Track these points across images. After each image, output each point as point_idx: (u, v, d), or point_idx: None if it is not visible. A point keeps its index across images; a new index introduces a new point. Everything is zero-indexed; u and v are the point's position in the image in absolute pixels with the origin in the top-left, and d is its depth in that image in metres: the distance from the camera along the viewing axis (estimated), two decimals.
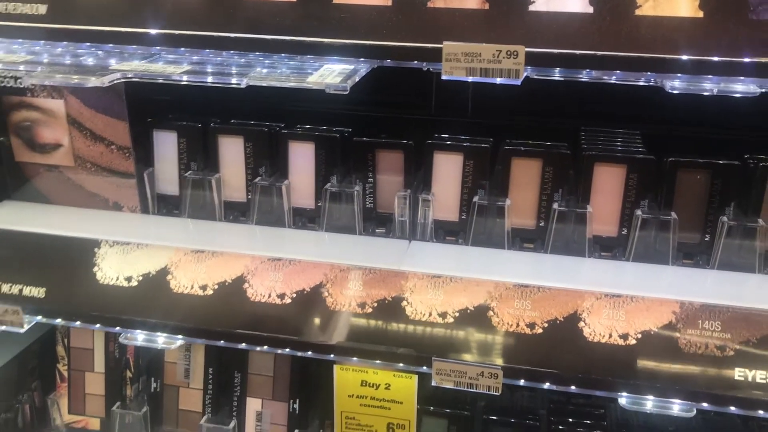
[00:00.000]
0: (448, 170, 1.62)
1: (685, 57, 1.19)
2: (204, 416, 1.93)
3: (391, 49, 1.30)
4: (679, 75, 1.21)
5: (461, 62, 1.23)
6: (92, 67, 1.39)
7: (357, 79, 1.29)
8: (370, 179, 1.69)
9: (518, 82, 1.23)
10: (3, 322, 1.63)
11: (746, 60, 1.18)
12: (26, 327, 1.63)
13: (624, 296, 1.41)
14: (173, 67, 1.35)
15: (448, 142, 1.62)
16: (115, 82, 1.34)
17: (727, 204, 1.51)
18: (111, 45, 1.41)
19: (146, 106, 1.75)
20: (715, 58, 1.19)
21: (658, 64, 1.21)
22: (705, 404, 1.35)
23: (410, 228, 1.65)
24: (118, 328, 1.59)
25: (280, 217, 1.70)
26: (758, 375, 1.33)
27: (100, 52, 1.46)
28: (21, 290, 1.63)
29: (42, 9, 1.42)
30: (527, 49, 1.21)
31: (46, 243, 1.65)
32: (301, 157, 1.70)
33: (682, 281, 1.48)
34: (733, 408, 1.34)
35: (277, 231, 1.69)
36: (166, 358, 1.96)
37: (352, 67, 1.33)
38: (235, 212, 1.76)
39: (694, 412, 1.36)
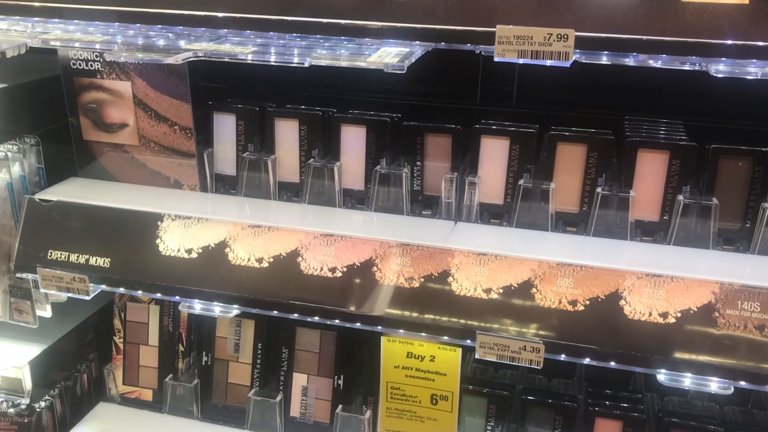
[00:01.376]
0: (494, 154, 1.68)
1: (729, 42, 1.24)
2: (252, 390, 2.01)
3: (446, 32, 1.37)
4: (723, 59, 1.25)
5: (513, 45, 1.29)
6: (164, 48, 1.48)
7: (413, 60, 1.36)
8: (418, 162, 1.76)
9: (568, 65, 1.29)
10: (70, 290, 1.73)
11: None
12: (92, 295, 1.73)
13: (664, 276, 1.45)
14: (240, 48, 1.44)
15: (495, 127, 1.68)
16: (187, 60, 1.43)
17: None
18: (180, 27, 1.51)
19: (208, 90, 1.85)
20: (760, 43, 1.23)
21: (703, 48, 1.25)
22: (742, 382, 1.39)
23: (456, 210, 1.71)
24: (177, 297, 1.68)
25: (331, 198, 1.78)
26: None
27: (170, 34, 1.55)
28: (87, 260, 1.73)
29: None
30: (577, 33, 1.27)
31: (112, 216, 1.75)
32: (353, 140, 1.77)
33: (722, 264, 1.51)
34: None
35: (329, 210, 1.77)
36: (217, 333, 2.05)
37: (408, 49, 1.40)
38: (289, 192, 1.84)
39: (732, 389, 1.40)
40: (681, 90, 1.81)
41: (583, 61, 1.33)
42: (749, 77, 1.25)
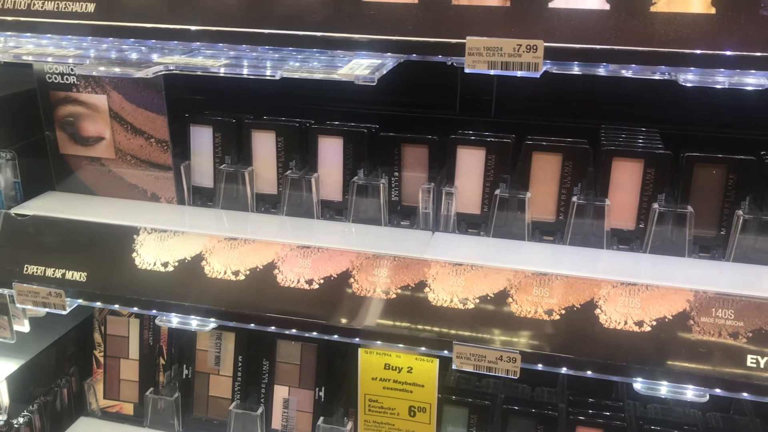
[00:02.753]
0: (470, 164, 1.69)
1: (698, 51, 1.25)
2: (233, 402, 2.01)
3: (417, 44, 1.37)
4: (692, 69, 1.26)
5: (483, 56, 1.29)
6: (136, 61, 1.48)
7: (384, 72, 1.36)
8: (396, 173, 1.76)
9: (537, 75, 1.29)
10: (47, 305, 1.72)
11: (758, 54, 1.23)
12: (68, 309, 1.72)
13: (639, 285, 1.45)
14: (212, 61, 1.44)
15: (472, 137, 1.68)
16: (159, 74, 1.43)
17: (742, 198, 1.55)
18: (153, 41, 1.50)
19: (184, 103, 1.85)
20: (728, 52, 1.24)
21: (672, 58, 1.26)
22: (718, 390, 1.39)
23: (434, 220, 1.72)
24: (154, 310, 1.67)
25: (309, 209, 1.78)
26: None
27: (143, 48, 1.55)
28: (64, 274, 1.72)
29: (90, 7, 1.52)
30: (546, 44, 1.28)
31: (88, 230, 1.74)
32: (330, 152, 1.77)
33: (697, 272, 1.52)
34: (745, 394, 1.38)
35: (306, 222, 1.76)
36: (198, 346, 2.04)
37: (379, 61, 1.40)
38: (266, 204, 1.84)
39: (707, 397, 1.40)
40: (657, 99, 1.82)
41: (555, 71, 1.34)
42: (717, 86, 1.25)
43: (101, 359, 2.12)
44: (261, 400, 1.99)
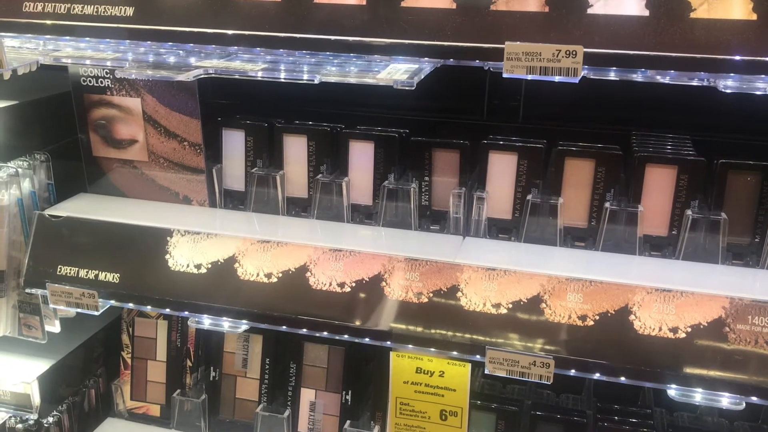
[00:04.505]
0: (502, 169, 1.69)
1: (738, 57, 1.25)
2: (260, 405, 2.01)
3: (455, 49, 1.38)
4: (732, 75, 1.26)
5: (522, 61, 1.30)
6: (176, 65, 1.49)
7: (422, 77, 1.37)
8: (426, 177, 1.76)
9: (576, 80, 1.29)
10: (80, 305, 1.73)
11: None
12: (101, 310, 1.74)
13: (674, 291, 1.45)
14: (250, 65, 1.45)
15: (503, 142, 1.68)
16: (198, 77, 1.44)
17: None
18: (191, 45, 1.52)
19: (217, 106, 1.86)
20: None
21: (712, 64, 1.26)
22: (754, 398, 1.38)
23: (464, 225, 1.72)
24: (186, 312, 1.69)
25: (340, 213, 1.78)
26: None
27: (181, 52, 1.56)
28: (96, 275, 1.74)
29: (129, 11, 1.54)
30: (585, 50, 1.28)
31: (121, 232, 1.75)
32: (361, 156, 1.78)
33: (731, 279, 1.51)
34: None
35: (337, 225, 1.77)
36: (225, 348, 2.05)
37: (416, 66, 1.41)
38: (297, 208, 1.85)
39: (743, 405, 1.40)
40: (688, 105, 1.81)
41: (592, 77, 1.34)
42: (758, 92, 1.25)
43: (129, 360, 2.13)
44: (288, 403, 2.00)
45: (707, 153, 1.61)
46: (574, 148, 1.65)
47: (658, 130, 1.79)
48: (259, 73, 1.43)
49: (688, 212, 1.57)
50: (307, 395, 1.99)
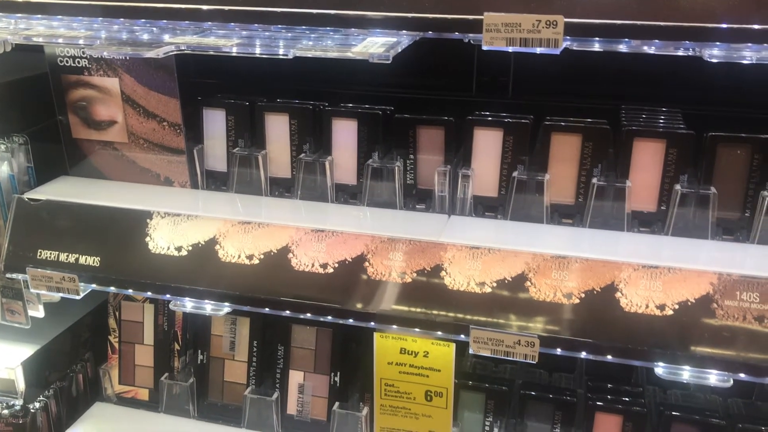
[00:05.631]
0: (487, 146, 1.65)
1: (724, 25, 1.21)
2: (248, 388, 2.00)
3: (433, 21, 1.34)
4: (717, 44, 1.22)
5: (501, 32, 1.26)
6: (147, 42, 1.46)
7: (399, 50, 1.33)
8: (411, 156, 1.73)
9: (557, 52, 1.25)
10: (60, 289, 1.71)
11: None
12: (82, 294, 1.71)
13: (661, 267, 1.42)
14: (224, 41, 1.41)
15: (489, 118, 1.65)
16: (170, 54, 1.40)
17: (767, 179, 1.51)
18: (165, 21, 1.48)
19: (196, 86, 1.82)
20: (755, 26, 1.20)
21: (697, 32, 1.22)
22: (742, 374, 1.36)
23: (450, 203, 1.69)
24: (168, 295, 1.66)
25: (323, 193, 1.75)
26: None
27: (154, 29, 1.53)
28: (77, 259, 1.71)
29: None
30: (566, 20, 1.24)
31: (101, 215, 1.73)
32: (344, 134, 1.75)
33: (720, 254, 1.48)
34: None
35: (321, 205, 1.74)
36: (213, 331, 2.03)
37: (394, 39, 1.37)
38: (280, 188, 1.82)
39: (731, 382, 1.37)
40: (679, 78, 1.77)
41: (575, 48, 1.31)
42: (745, 62, 1.21)
43: (116, 345, 2.11)
44: (276, 386, 1.98)
45: (699, 127, 1.57)
46: (560, 123, 1.61)
47: (650, 105, 1.75)
48: (234, 49, 1.39)
49: (677, 187, 1.54)
50: (295, 377, 1.97)
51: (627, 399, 1.78)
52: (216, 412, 2.05)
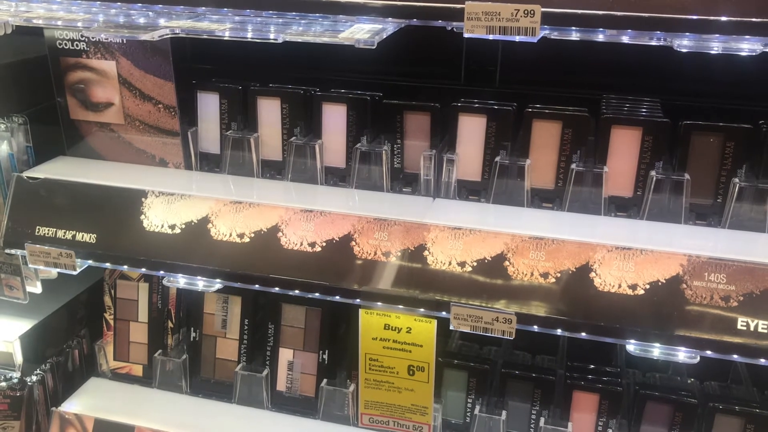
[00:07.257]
0: (472, 132, 1.71)
1: (693, 16, 1.26)
2: (239, 365, 2.05)
3: (418, 9, 1.40)
4: (687, 34, 1.28)
5: (482, 21, 1.32)
6: (143, 25, 1.51)
7: (384, 36, 1.38)
8: (398, 140, 1.78)
9: (534, 40, 1.31)
10: (57, 265, 1.77)
11: (753, 20, 1.25)
12: (78, 270, 1.77)
13: (634, 249, 1.48)
14: (217, 25, 1.47)
15: (473, 105, 1.70)
16: (165, 37, 1.46)
17: (739, 166, 1.57)
18: (160, 6, 1.54)
19: (192, 70, 1.88)
20: (723, 18, 1.25)
21: (668, 23, 1.28)
22: (708, 352, 1.42)
23: (435, 187, 1.75)
24: (161, 272, 1.72)
25: (313, 175, 1.81)
26: (760, 324, 1.39)
27: (150, 13, 1.58)
28: (74, 236, 1.77)
29: None
30: (544, 9, 1.30)
31: (97, 193, 1.78)
32: (334, 119, 1.80)
33: (691, 238, 1.54)
34: (735, 356, 1.41)
35: (310, 187, 1.80)
36: (205, 310, 2.09)
37: (380, 26, 1.42)
38: (272, 170, 1.87)
39: (698, 359, 1.44)
40: (659, 69, 1.83)
41: (554, 37, 1.36)
42: (712, 52, 1.27)
43: (111, 322, 2.17)
44: (266, 363, 2.04)
45: (678, 116, 1.62)
46: (542, 110, 1.67)
47: (632, 95, 1.80)
48: (226, 33, 1.44)
49: (653, 173, 1.60)
50: (285, 355, 2.03)
51: (605, 378, 1.84)
52: (208, 388, 2.10)
